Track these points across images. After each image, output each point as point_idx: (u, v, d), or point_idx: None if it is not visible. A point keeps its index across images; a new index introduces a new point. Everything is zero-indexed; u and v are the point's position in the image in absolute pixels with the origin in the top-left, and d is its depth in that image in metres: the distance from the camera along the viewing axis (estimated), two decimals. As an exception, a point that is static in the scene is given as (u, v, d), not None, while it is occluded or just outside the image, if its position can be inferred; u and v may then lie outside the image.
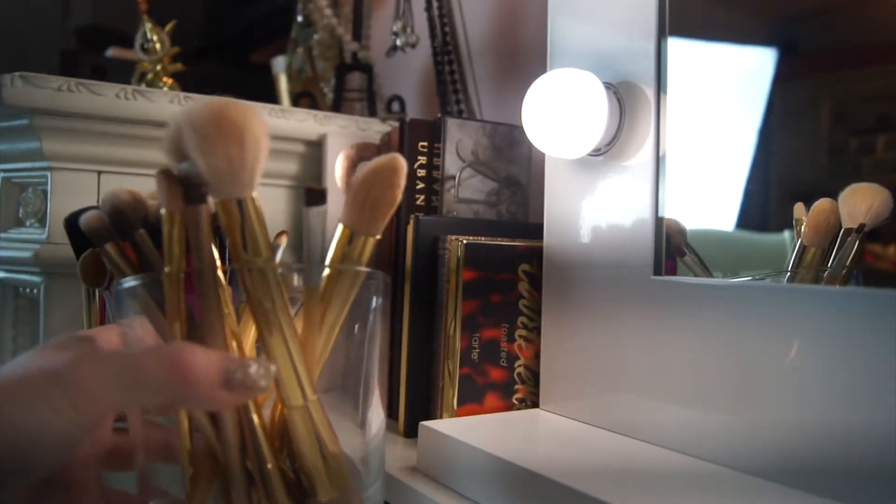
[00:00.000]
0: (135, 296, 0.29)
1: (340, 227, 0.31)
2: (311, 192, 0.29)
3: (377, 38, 0.97)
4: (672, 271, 0.49)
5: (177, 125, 0.27)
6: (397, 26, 0.83)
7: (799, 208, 0.46)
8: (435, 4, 0.81)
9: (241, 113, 0.26)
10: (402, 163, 0.30)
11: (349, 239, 0.30)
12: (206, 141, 0.26)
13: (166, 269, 0.29)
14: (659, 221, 0.49)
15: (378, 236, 0.31)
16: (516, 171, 0.65)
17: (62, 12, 1.58)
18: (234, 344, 0.28)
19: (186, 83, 0.84)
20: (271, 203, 0.74)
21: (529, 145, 0.54)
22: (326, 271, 0.30)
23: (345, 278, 0.30)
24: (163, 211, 0.29)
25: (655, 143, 0.49)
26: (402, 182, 0.30)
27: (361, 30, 0.94)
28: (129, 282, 0.29)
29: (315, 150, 0.72)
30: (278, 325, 0.27)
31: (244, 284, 0.27)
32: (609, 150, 0.51)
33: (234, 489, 0.28)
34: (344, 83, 0.92)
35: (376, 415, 0.31)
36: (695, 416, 0.44)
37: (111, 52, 1.08)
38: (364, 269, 0.30)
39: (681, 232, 0.50)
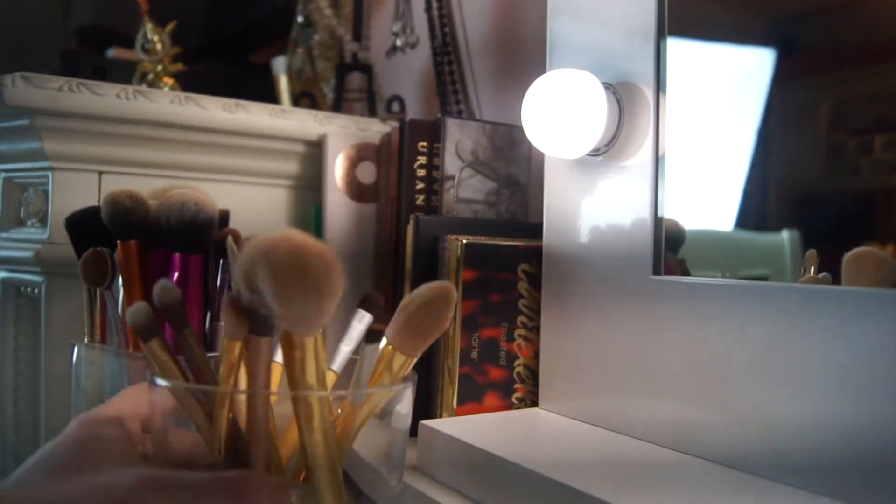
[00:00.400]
0: (178, 395, 0.30)
1: (384, 344, 0.32)
2: (372, 333, 0.31)
3: (377, 39, 0.98)
4: (671, 270, 0.49)
5: (251, 260, 0.26)
6: (397, 27, 0.83)
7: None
8: (435, 5, 0.81)
9: (322, 264, 0.26)
10: (455, 295, 0.31)
11: (391, 356, 0.31)
12: (286, 291, 0.26)
13: (218, 389, 0.29)
14: (658, 221, 0.49)
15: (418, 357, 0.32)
16: (516, 170, 0.65)
17: (63, 13, 1.58)
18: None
19: (187, 83, 0.84)
20: (270, 203, 0.74)
21: (529, 145, 0.54)
22: (371, 392, 0.31)
23: (385, 393, 0.31)
24: (225, 337, 0.29)
25: (654, 143, 0.49)
26: (452, 313, 0.31)
27: (361, 30, 0.94)
28: (178, 385, 0.30)
29: (315, 151, 0.73)
30: (323, 443, 0.28)
31: (295, 405, 0.28)
32: (608, 150, 0.51)
33: None
34: (344, 83, 0.92)
35: (404, 406, 0.32)
36: (694, 415, 0.44)
37: (112, 52, 1.08)
38: (402, 384, 0.31)
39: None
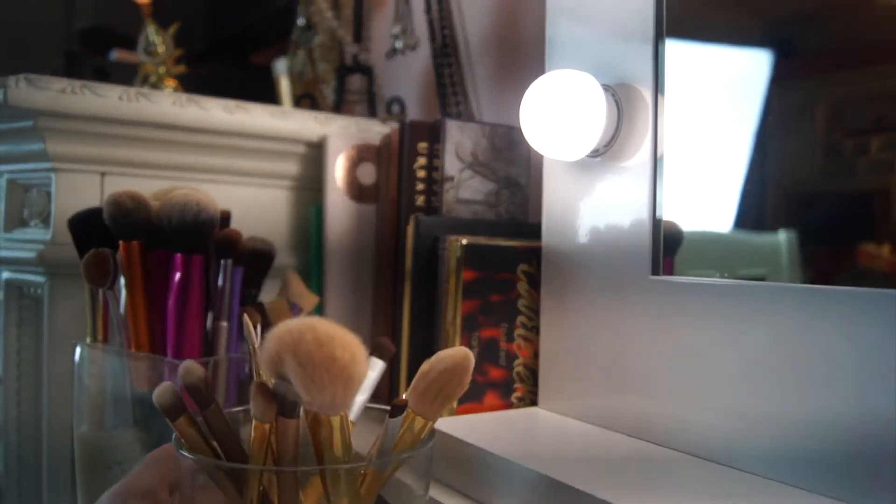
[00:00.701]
0: (209, 469, 0.31)
1: (406, 412, 0.32)
2: (396, 407, 0.32)
3: (377, 41, 0.98)
4: (670, 271, 0.49)
5: (278, 351, 0.27)
6: (397, 29, 0.84)
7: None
8: (434, 7, 0.82)
9: (348, 353, 0.27)
10: (472, 360, 0.33)
11: (412, 419, 0.32)
12: (314, 382, 0.27)
13: (250, 466, 0.30)
14: (657, 222, 0.49)
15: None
16: (515, 171, 0.66)
17: (65, 14, 1.59)
18: None
19: (189, 85, 0.84)
20: (271, 204, 0.74)
21: (528, 146, 0.54)
22: (395, 459, 0.32)
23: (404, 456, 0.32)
24: (254, 419, 0.30)
25: (653, 144, 0.49)
26: (470, 378, 0.33)
27: (362, 32, 0.94)
28: (208, 461, 0.31)
29: (316, 152, 0.73)
30: None
31: (322, 478, 0.30)
32: (607, 151, 0.52)
33: None
34: (344, 85, 0.93)
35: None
36: (694, 415, 0.45)
37: (115, 54, 1.08)
38: (424, 445, 0.32)
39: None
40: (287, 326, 0.27)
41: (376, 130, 0.74)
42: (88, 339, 0.51)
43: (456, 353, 0.32)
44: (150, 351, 0.48)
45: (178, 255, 0.48)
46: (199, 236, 0.48)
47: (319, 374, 0.27)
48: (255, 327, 0.35)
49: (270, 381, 0.29)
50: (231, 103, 0.68)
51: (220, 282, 0.50)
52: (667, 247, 0.50)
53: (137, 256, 0.48)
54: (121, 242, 0.48)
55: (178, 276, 0.48)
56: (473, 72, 0.82)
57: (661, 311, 0.47)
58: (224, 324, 0.50)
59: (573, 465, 0.42)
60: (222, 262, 0.50)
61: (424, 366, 0.32)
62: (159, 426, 0.43)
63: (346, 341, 0.27)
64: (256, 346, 0.35)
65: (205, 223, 0.47)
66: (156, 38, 0.82)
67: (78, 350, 0.51)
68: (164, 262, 0.49)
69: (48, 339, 0.64)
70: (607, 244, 0.51)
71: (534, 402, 0.58)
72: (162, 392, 0.31)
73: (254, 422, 0.30)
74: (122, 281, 0.49)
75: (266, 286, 0.58)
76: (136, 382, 0.48)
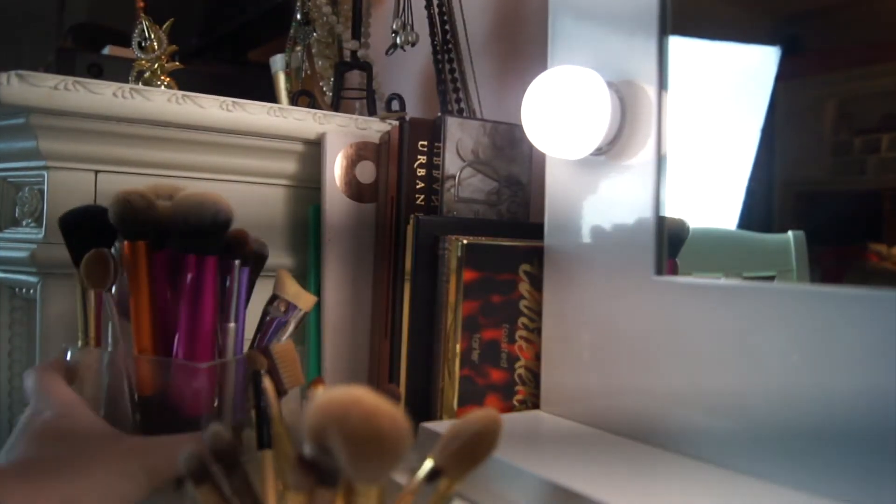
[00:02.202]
0: None
1: (430, 463, 0.33)
2: (433, 473, 0.32)
3: (377, 37, 0.97)
4: (673, 271, 0.49)
5: (323, 424, 0.27)
6: (397, 24, 0.83)
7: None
8: (435, 2, 0.81)
9: (395, 429, 0.27)
10: (502, 424, 0.33)
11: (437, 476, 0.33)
12: (361, 458, 0.27)
13: None
14: (660, 221, 0.48)
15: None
16: (517, 170, 0.65)
17: (58, 10, 1.57)
18: None
19: (184, 81, 0.83)
20: (269, 202, 0.73)
21: (530, 144, 0.54)
22: None
23: None
24: (292, 489, 0.30)
25: (657, 142, 0.48)
26: (499, 440, 0.33)
27: (361, 28, 0.93)
28: None
29: (314, 150, 0.72)
30: None
31: None
32: (610, 149, 0.51)
33: None
34: (343, 82, 0.92)
35: None
36: (696, 418, 0.44)
37: (108, 50, 1.07)
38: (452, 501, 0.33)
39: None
40: (330, 398, 0.27)
41: (375, 128, 0.73)
42: (80, 343, 0.50)
43: (486, 417, 0.33)
44: (153, 353, 0.47)
45: (192, 256, 0.47)
46: (215, 238, 0.47)
47: (366, 450, 0.27)
48: (263, 373, 0.34)
49: (305, 449, 0.29)
50: (227, 100, 0.67)
51: (233, 283, 0.49)
52: (674, 244, 0.49)
53: (143, 257, 0.47)
54: (126, 242, 0.47)
55: (189, 277, 0.47)
56: (474, 68, 0.82)
57: (664, 312, 0.46)
58: (232, 325, 0.49)
59: (576, 469, 0.41)
60: (235, 262, 0.50)
61: (453, 428, 0.33)
62: (160, 431, 0.42)
63: (393, 416, 0.27)
64: (275, 410, 0.36)
65: (223, 224, 0.47)
66: (150, 34, 0.80)
67: (69, 354, 0.49)
68: (172, 262, 0.48)
69: (41, 340, 0.63)
70: (610, 244, 0.51)
71: (535, 405, 0.57)
72: (189, 458, 0.31)
73: (291, 494, 0.29)
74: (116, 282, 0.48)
75: (258, 287, 0.57)
76: (140, 386, 0.47)
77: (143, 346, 0.47)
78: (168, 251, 0.48)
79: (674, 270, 0.49)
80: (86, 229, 0.49)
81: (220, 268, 0.49)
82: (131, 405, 0.47)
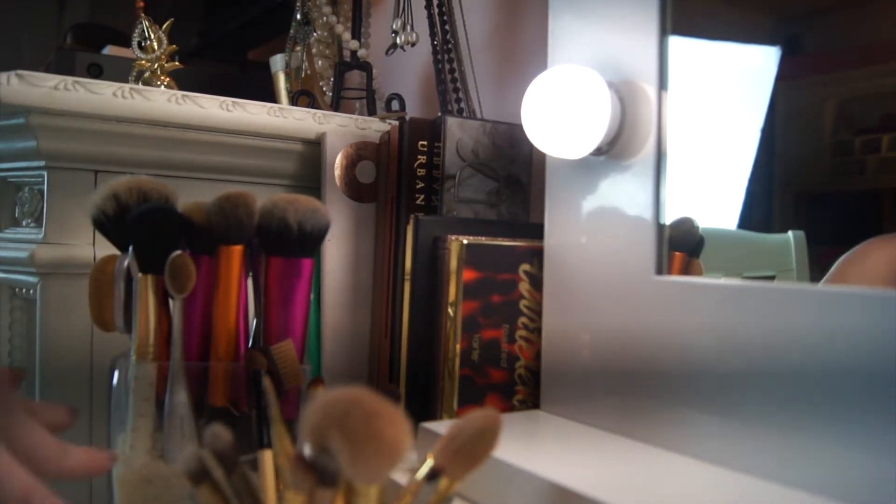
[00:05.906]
0: None
1: (430, 463, 0.33)
2: (434, 473, 0.32)
3: (376, 37, 0.97)
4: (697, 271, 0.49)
5: (323, 424, 0.27)
6: (397, 24, 0.83)
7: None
8: (435, 2, 0.81)
9: (395, 429, 0.27)
10: (501, 423, 0.33)
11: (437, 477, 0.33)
12: (361, 457, 0.27)
13: None
14: (660, 221, 0.48)
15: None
16: (517, 170, 0.65)
17: (58, 10, 1.57)
18: None
19: (184, 81, 0.83)
20: (270, 202, 0.73)
21: (530, 144, 0.53)
22: None
23: None
24: (291, 488, 0.30)
25: (657, 142, 0.48)
26: (499, 439, 0.33)
27: (361, 28, 0.93)
28: None
29: (314, 149, 0.72)
30: None
31: None
32: (610, 149, 0.51)
33: None
34: (343, 82, 0.92)
35: None
36: (696, 418, 0.44)
37: (108, 50, 1.07)
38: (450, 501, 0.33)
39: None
40: (330, 399, 0.27)
41: (375, 128, 0.73)
42: (133, 356, 0.45)
43: (486, 416, 0.33)
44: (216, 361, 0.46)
45: (307, 261, 0.48)
46: (320, 241, 0.49)
47: (367, 450, 0.27)
48: (263, 373, 0.34)
49: (305, 449, 0.29)
50: (227, 100, 0.67)
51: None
52: (696, 245, 0.49)
53: (238, 262, 0.47)
54: (221, 247, 0.47)
55: (291, 281, 0.48)
56: (474, 68, 0.81)
57: (665, 312, 0.46)
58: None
59: (576, 470, 0.41)
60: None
61: (453, 429, 0.33)
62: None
63: (393, 416, 0.27)
64: (274, 411, 0.36)
65: (326, 228, 0.48)
66: (150, 34, 0.80)
67: (132, 368, 0.44)
68: (285, 268, 0.48)
69: (41, 341, 0.62)
70: (610, 244, 0.51)
71: (536, 405, 0.57)
72: (189, 458, 0.31)
73: (289, 493, 0.30)
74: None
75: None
76: (211, 398, 0.46)
77: (217, 354, 0.46)
78: (275, 256, 0.48)
79: (698, 271, 0.49)
80: (159, 232, 0.46)
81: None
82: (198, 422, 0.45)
